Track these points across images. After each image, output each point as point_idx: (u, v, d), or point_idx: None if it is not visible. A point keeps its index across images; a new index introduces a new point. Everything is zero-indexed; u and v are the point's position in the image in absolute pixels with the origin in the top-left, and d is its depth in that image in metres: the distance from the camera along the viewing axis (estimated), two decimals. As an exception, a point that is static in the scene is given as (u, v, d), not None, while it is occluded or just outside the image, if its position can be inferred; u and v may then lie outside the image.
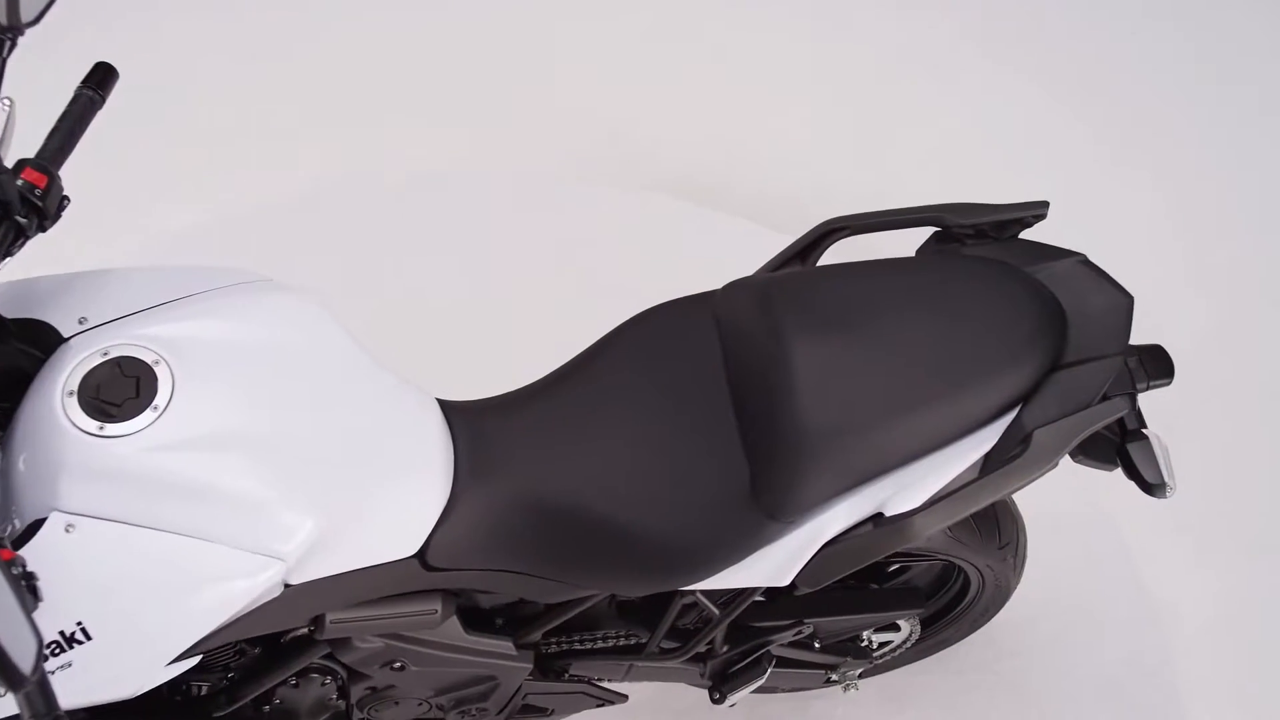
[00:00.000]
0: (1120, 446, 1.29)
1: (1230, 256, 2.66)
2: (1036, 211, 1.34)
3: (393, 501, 1.16)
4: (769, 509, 1.24)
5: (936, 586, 1.82)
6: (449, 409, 1.27)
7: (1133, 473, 1.28)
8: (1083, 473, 2.30)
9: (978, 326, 1.25)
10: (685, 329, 1.33)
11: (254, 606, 1.11)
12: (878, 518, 1.26)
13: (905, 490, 1.25)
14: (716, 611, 1.46)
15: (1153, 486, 1.27)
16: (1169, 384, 1.34)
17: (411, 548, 1.18)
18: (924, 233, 1.43)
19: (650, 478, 1.25)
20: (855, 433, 1.21)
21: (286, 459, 1.10)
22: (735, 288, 1.34)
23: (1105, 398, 1.25)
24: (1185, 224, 2.72)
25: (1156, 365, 1.33)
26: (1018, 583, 1.74)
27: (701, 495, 1.25)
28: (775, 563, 1.28)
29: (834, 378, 1.22)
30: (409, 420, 1.21)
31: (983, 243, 1.37)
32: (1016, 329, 1.24)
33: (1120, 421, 1.30)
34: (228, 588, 1.07)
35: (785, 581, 1.30)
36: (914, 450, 1.24)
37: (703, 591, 1.42)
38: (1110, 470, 1.38)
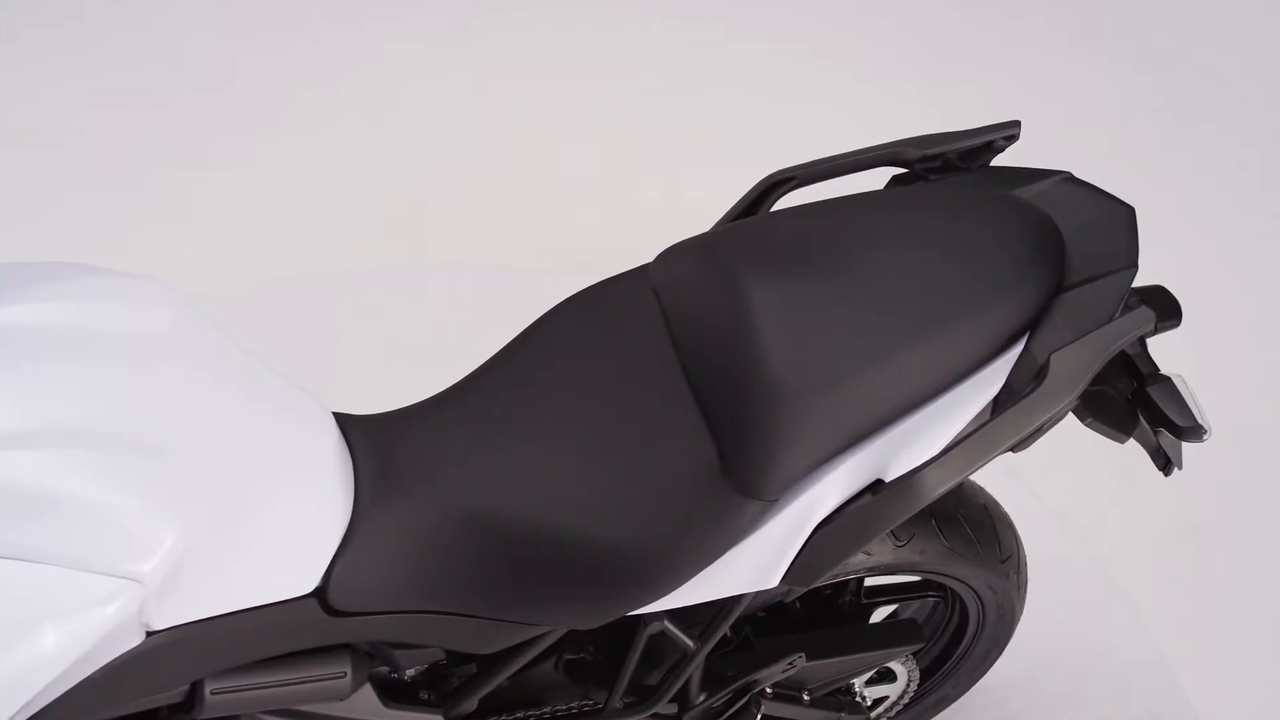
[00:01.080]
0: (1138, 391, 1.10)
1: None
2: (1007, 133, 1.19)
3: (279, 521, 0.92)
4: (745, 485, 1.02)
5: (933, 627, 1.59)
6: (346, 421, 1.04)
7: (1158, 418, 1.08)
8: (1065, 511, 2.15)
9: (964, 253, 1.07)
10: (618, 307, 1.14)
11: (107, 658, 0.86)
12: (877, 485, 1.04)
13: (906, 448, 1.04)
14: (691, 644, 1.21)
15: (1185, 430, 1.07)
16: (1177, 325, 1.17)
17: (306, 583, 0.94)
18: (882, 179, 1.27)
19: (597, 474, 1.04)
20: (835, 382, 1.01)
21: (140, 459, 0.87)
22: (672, 250, 1.15)
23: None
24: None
25: (1162, 306, 1.16)
26: (1022, 609, 1.52)
27: (661, 484, 1.03)
28: (760, 558, 1.05)
29: (803, 322, 1.02)
30: (296, 425, 0.98)
31: (951, 175, 1.20)
32: (1008, 252, 1.07)
33: (1132, 367, 1.13)
34: (67, 623, 0.81)
35: (774, 581, 1.07)
36: (907, 400, 1.04)
37: (674, 619, 1.18)
38: (1124, 438, 1.19)
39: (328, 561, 0.95)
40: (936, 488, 1.03)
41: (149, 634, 0.89)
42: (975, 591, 1.44)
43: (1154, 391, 1.09)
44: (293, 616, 0.95)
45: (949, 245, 1.07)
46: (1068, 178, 1.16)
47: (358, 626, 0.99)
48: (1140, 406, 1.10)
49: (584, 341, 1.11)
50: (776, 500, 1.03)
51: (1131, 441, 1.17)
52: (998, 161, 1.23)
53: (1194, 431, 1.07)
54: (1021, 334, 1.07)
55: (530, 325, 1.15)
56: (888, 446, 1.03)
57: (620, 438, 1.05)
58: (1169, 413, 1.07)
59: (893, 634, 1.45)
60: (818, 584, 1.14)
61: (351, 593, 0.97)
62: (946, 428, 1.04)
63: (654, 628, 1.17)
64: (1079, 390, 1.05)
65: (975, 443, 1.04)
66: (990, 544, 1.40)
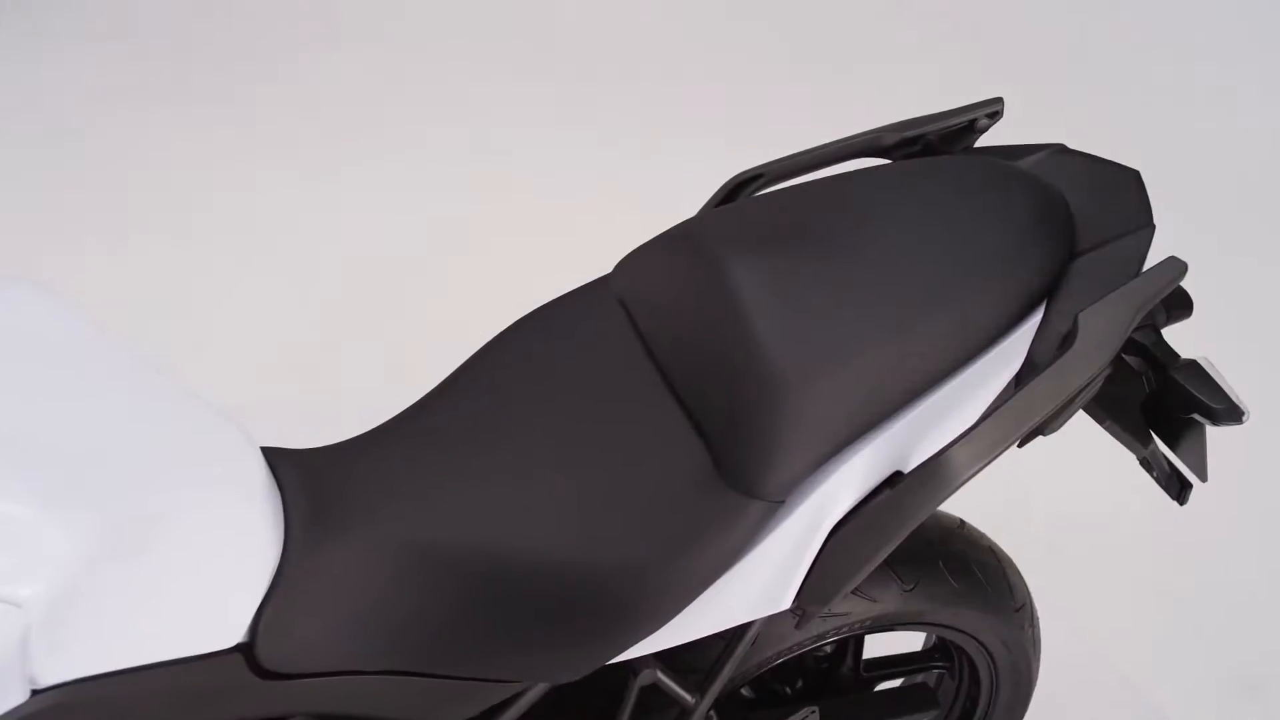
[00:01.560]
0: (1164, 378, 0.99)
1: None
2: (989, 110, 1.09)
3: (192, 554, 0.75)
4: (746, 483, 0.88)
5: (945, 694, 1.43)
6: (274, 454, 0.88)
7: (1188, 402, 0.96)
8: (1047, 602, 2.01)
9: (966, 223, 0.96)
10: (577, 319, 1.00)
11: None
12: (895, 478, 0.91)
13: (925, 434, 0.91)
14: (689, 697, 1.03)
15: (1220, 412, 0.94)
16: (1189, 317, 1.08)
17: (229, 635, 0.77)
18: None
19: (571, 492, 0.89)
20: (838, 361, 0.88)
21: (21, 459, 0.72)
22: (637, 250, 1.03)
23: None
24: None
25: (1171, 296, 1.07)
26: (1037, 672, 1.38)
27: (649, 494, 0.89)
28: (768, 574, 0.90)
29: (797, 300, 0.90)
30: (208, 444, 0.81)
31: None
32: (1014, 220, 0.96)
33: (1150, 358, 1.02)
34: None
35: (786, 601, 0.92)
36: (920, 379, 0.91)
37: (668, 669, 1.02)
38: (1144, 448, 1.08)
39: (253, 609, 0.78)
40: (966, 468, 0.90)
41: (34, 692, 0.71)
42: (987, 649, 1.30)
43: (1180, 375, 0.97)
44: (217, 677, 0.78)
45: (949, 216, 0.96)
46: (1061, 148, 1.07)
47: (299, 693, 0.82)
48: (1165, 387, 0.99)
49: (542, 356, 0.97)
50: (783, 502, 0.89)
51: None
52: (982, 143, 1.15)
53: (1230, 413, 0.95)
54: (1037, 304, 0.96)
55: (479, 349, 1.01)
56: (904, 434, 0.90)
57: (595, 450, 0.90)
58: (1201, 395, 0.95)
59: (906, 701, 1.29)
60: (826, 633, 0.99)
61: (286, 650, 0.79)
62: (967, 410, 0.92)
63: (646, 677, 1.00)
64: (1113, 351, 0.93)
65: (1006, 414, 0.90)
66: (1002, 590, 1.26)
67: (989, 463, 0.91)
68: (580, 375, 0.95)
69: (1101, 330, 0.91)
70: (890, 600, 1.16)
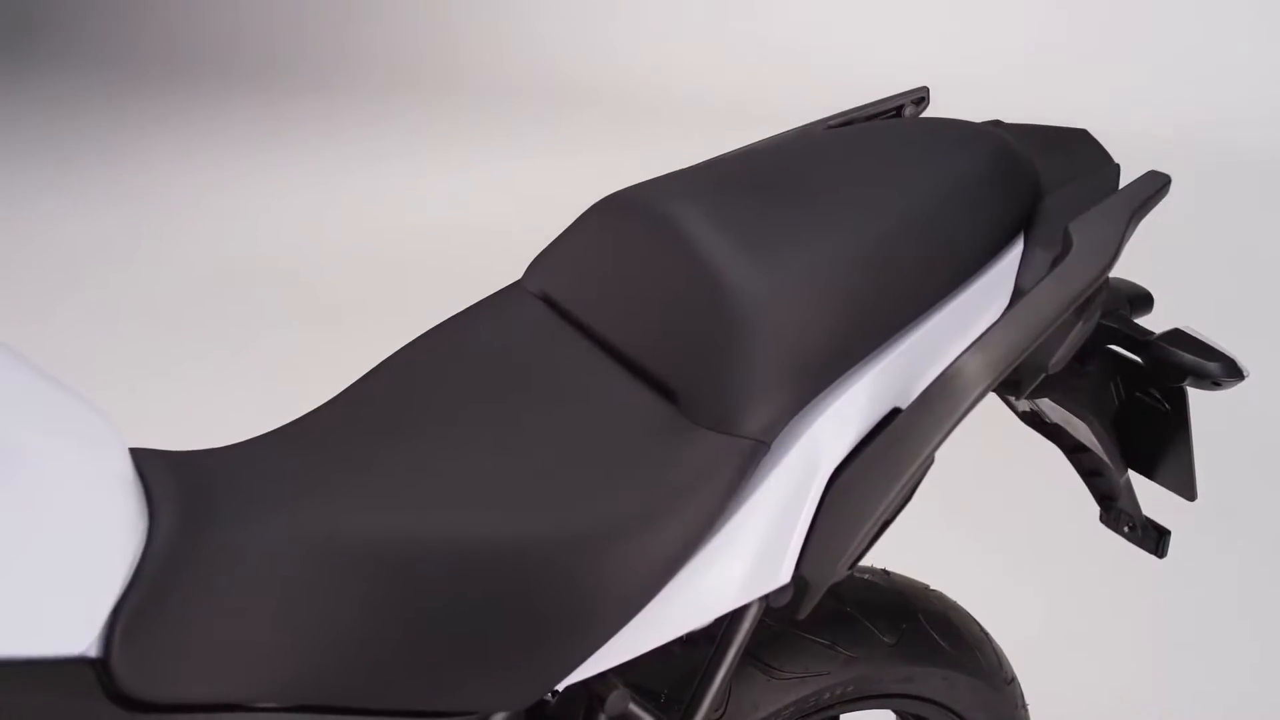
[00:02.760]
0: (1154, 345, 0.91)
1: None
2: (916, 97, 1.06)
3: (26, 516, 0.57)
4: (719, 418, 0.74)
5: None
6: (144, 454, 0.72)
7: (1179, 368, 0.88)
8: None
9: (925, 160, 0.88)
10: (490, 317, 0.87)
11: None
12: (894, 414, 0.80)
13: (921, 370, 0.80)
14: None
15: (1218, 370, 0.87)
16: (1150, 312, 1.03)
17: (75, 638, 0.58)
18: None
19: (506, 472, 0.73)
20: (808, 282, 0.77)
21: None
22: (551, 247, 0.91)
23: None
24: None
25: (1133, 296, 1.02)
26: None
27: (605, 456, 0.74)
28: (758, 540, 0.75)
29: (751, 230, 0.80)
30: (64, 420, 0.62)
31: None
32: (976, 155, 0.89)
33: (1123, 335, 0.95)
34: None
35: (784, 574, 0.77)
36: (899, 310, 0.81)
37: (639, 693, 0.86)
38: (1119, 480, 1.01)
39: (104, 614, 0.60)
40: (979, 380, 0.79)
41: None
42: (979, 732, 1.14)
43: (1166, 341, 0.89)
44: (64, 696, 0.59)
45: (906, 156, 0.89)
46: (999, 123, 1.04)
47: None
48: (1153, 358, 0.91)
49: (454, 356, 0.84)
50: (768, 446, 0.75)
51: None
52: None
53: (1230, 368, 0.87)
54: (1013, 237, 0.89)
55: (373, 368, 0.87)
56: (896, 368, 0.79)
57: (532, 425, 0.76)
58: (1195, 354, 0.87)
59: None
60: (842, 577, 0.83)
61: (150, 671, 0.61)
62: (960, 345, 0.82)
63: (614, 705, 0.81)
64: (1111, 255, 0.84)
65: (1013, 320, 0.81)
66: (992, 661, 1.13)
67: (1000, 377, 0.81)
68: (504, 365, 0.82)
69: (1096, 235, 0.84)
70: (871, 658, 1.02)
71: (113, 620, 0.60)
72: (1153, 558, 2.23)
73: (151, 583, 0.61)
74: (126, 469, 0.64)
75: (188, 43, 6.27)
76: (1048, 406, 1.03)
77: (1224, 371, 0.87)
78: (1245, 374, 0.87)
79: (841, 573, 0.80)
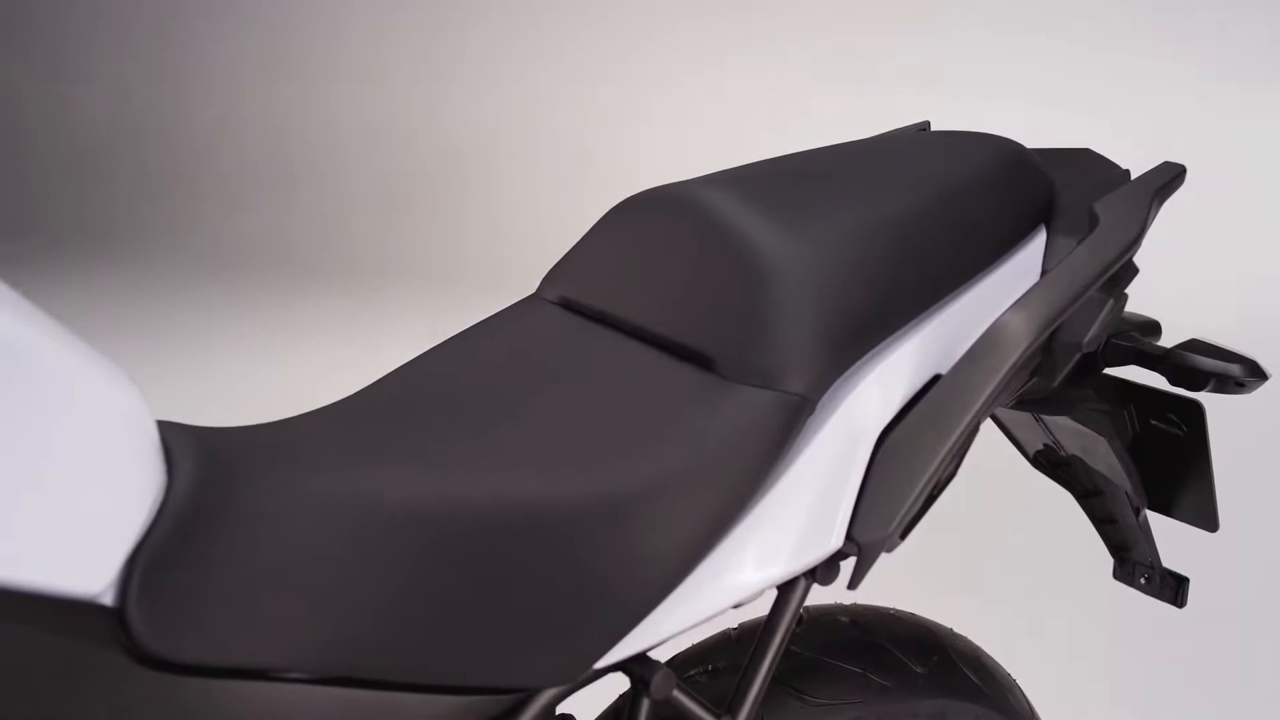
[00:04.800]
0: (1174, 354, 0.92)
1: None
2: (918, 129, 1.09)
3: (26, 454, 0.52)
4: (763, 373, 0.74)
5: None
6: (163, 422, 0.68)
7: (1202, 375, 0.90)
8: None
9: (944, 156, 0.91)
10: (509, 322, 0.86)
11: None
12: (936, 380, 0.81)
13: (959, 340, 0.82)
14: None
15: (1241, 373, 0.88)
16: (1159, 339, 1.05)
17: (89, 577, 0.54)
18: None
19: (553, 438, 0.72)
20: (846, 246, 0.78)
21: None
22: (567, 256, 0.91)
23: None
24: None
25: (1143, 323, 1.04)
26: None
27: (649, 417, 0.73)
28: (809, 502, 0.74)
29: (783, 210, 0.81)
30: (81, 365, 0.56)
31: None
32: (991, 152, 0.92)
33: (1139, 351, 0.95)
34: None
35: (836, 539, 0.76)
36: (935, 281, 0.83)
37: (686, 680, 0.84)
38: (1136, 515, 1.02)
39: (123, 555, 0.55)
40: (1023, 337, 0.80)
41: None
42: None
43: (1187, 349, 0.91)
44: (78, 639, 0.55)
45: (924, 155, 0.91)
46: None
47: (196, 697, 0.59)
48: (1172, 370, 0.92)
49: (476, 355, 0.83)
50: (811, 401, 0.74)
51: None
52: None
53: (1253, 369, 0.88)
54: (1036, 225, 0.91)
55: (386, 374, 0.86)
56: (935, 337, 0.81)
57: (570, 398, 0.75)
58: (1218, 358, 0.89)
59: None
60: (900, 531, 0.82)
61: (168, 626, 0.56)
62: (996, 315, 0.84)
63: (660, 685, 0.77)
64: (1139, 226, 0.86)
65: (1051, 282, 0.83)
66: (1024, 706, 1.11)
67: (1042, 336, 0.82)
68: (527, 360, 0.81)
69: (1123, 210, 0.87)
70: (903, 687, 1.01)
71: (128, 570, 0.56)
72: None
73: (170, 534, 0.58)
74: (147, 418, 0.60)
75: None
76: (1067, 433, 1.04)
77: (1247, 372, 0.88)
78: (1268, 374, 0.89)
79: (895, 537, 0.79)
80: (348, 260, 5.53)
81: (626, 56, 5.32)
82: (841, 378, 0.77)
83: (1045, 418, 1.03)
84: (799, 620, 1.02)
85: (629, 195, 0.92)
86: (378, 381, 0.81)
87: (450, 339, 0.86)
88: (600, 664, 0.72)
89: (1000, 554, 2.41)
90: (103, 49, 6.95)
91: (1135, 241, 0.86)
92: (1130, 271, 0.91)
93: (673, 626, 0.73)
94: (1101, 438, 0.99)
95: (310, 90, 6.20)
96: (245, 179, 6.30)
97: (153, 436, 0.59)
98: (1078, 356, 0.90)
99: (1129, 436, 1.03)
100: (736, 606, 0.75)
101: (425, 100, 5.86)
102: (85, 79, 7.01)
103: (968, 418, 0.79)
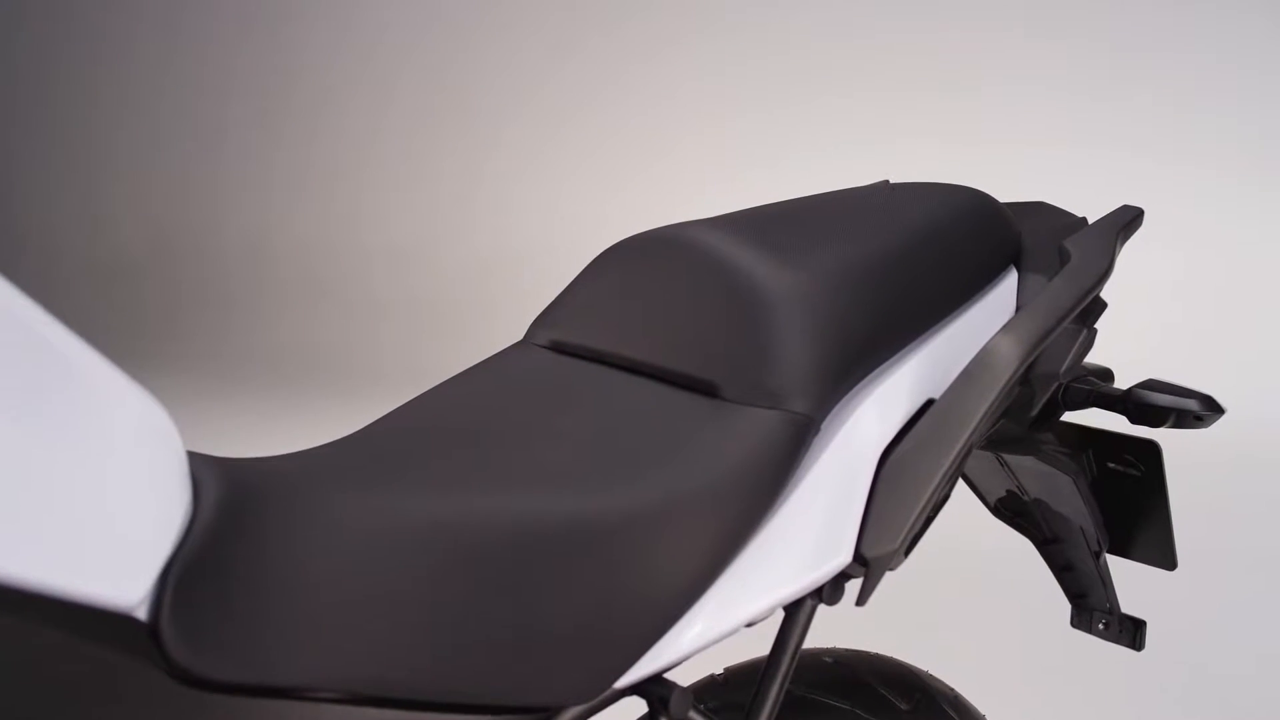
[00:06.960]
0: (1133, 392, 0.97)
1: None
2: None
3: (72, 438, 0.52)
4: (766, 393, 0.77)
5: None
6: (192, 456, 0.67)
7: (1160, 412, 0.94)
8: None
9: (917, 203, 0.95)
10: (501, 367, 0.87)
11: None
12: (929, 404, 0.85)
13: (947, 369, 0.86)
14: None
15: (1199, 409, 0.92)
16: (1112, 384, 1.13)
17: (123, 588, 0.53)
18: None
19: (564, 460, 0.74)
20: (839, 274, 0.82)
21: None
22: (555, 302, 0.92)
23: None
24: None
25: (1094, 370, 1.08)
26: None
27: (660, 440, 0.75)
28: (817, 519, 0.76)
29: (776, 244, 0.85)
30: (113, 386, 0.56)
31: None
32: (958, 201, 0.97)
33: (1098, 393, 0.99)
34: None
35: (845, 553, 0.78)
36: (923, 311, 0.87)
37: (701, 705, 0.86)
38: (1097, 559, 1.08)
39: (157, 568, 0.55)
40: (1013, 358, 0.84)
41: None
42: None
43: (1144, 389, 0.96)
44: (114, 655, 0.54)
45: (901, 199, 0.96)
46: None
47: (231, 717, 0.59)
48: (1136, 410, 0.96)
49: (467, 398, 0.83)
50: (816, 421, 0.77)
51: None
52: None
53: (1210, 403, 0.93)
54: (1006, 266, 0.96)
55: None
56: (926, 364, 0.85)
57: (576, 426, 0.77)
58: (1176, 395, 0.93)
59: None
60: (905, 547, 0.85)
61: (199, 642, 0.56)
62: (980, 344, 0.90)
63: (679, 704, 0.77)
64: (1110, 258, 0.92)
65: (1035, 308, 0.88)
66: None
67: (1030, 357, 0.87)
68: (521, 398, 0.82)
69: (1092, 245, 0.92)
70: (892, 726, 1.09)
71: (161, 586, 0.56)
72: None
73: (199, 553, 0.58)
74: (178, 441, 0.60)
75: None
76: (1030, 475, 1.08)
77: (1204, 406, 0.93)
78: (1223, 409, 0.98)
79: (901, 551, 0.82)
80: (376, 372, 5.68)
81: (647, 167, 5.52)
82: (841, 401, 0.80)
83: (1010, 461, 1.07)
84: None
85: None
86: (381, 419, 0.81)
87: (442, 383, 0.86)
88: (619, 684, 0.73)
89: (959, 600, 2.46)
90: (133, 172, 7.24)
91: (1107, 272, 0.91)
92: (1099, 306, 0.97)
93: (689, 645, 0.74)
94: (1066, 476, 1.04)
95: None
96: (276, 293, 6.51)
97: (182, 458, 0.59)
98: (1055, 386, 0.95)
99: (1089, 478, 1.08)
100: (749, 625, 0.77)
101: (454, 218, 6.07)
102: (120, 202, 7.30)
103: (967, 433, 0.83)
